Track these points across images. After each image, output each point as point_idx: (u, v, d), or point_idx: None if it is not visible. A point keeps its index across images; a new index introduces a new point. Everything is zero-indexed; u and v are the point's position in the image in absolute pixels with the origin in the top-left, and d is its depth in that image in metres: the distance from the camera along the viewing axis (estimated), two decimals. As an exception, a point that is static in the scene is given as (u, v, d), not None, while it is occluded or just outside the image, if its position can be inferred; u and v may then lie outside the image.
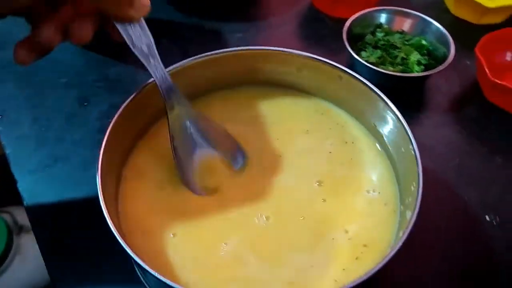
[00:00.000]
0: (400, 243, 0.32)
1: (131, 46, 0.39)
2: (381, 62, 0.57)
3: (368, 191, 0.42)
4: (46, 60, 0.60)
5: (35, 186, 0.48)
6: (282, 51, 0.45)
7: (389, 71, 0.55)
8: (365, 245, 0.38)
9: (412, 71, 0.55)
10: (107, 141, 0.38)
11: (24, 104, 0.56)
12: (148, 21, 0.40)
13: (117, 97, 0.57)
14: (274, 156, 0.44)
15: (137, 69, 0.59)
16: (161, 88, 0.40)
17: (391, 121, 0.41)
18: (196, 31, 0.65)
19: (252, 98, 0.49)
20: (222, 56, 0.45)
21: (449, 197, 0.47)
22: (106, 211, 0.34)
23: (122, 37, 0.38)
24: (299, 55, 0.45)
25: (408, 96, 0.56)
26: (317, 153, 0.45)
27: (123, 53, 0.62)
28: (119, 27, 0.38)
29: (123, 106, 0.40)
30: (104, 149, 0.37)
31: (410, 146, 0.38)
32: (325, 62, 0.44)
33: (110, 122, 0.39)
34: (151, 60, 0.40)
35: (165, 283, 0.31)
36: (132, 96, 0.41)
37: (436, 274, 0.42)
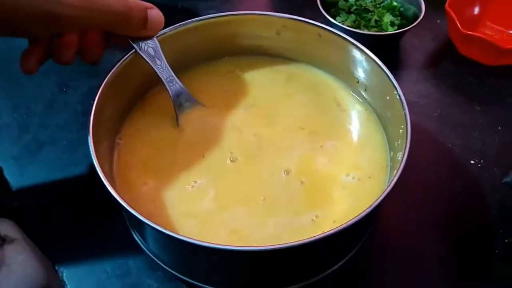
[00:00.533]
0: (395, 179, 0.33)
1: (138, 50, 0.41)
2: (356, 26, 0.58)
3: (356, 141, 0.43)
4: (21, 50, 0.60)
5: (22, 171, 0.48)
6: (263, 14, 0.46)
7: (371, 33, 0.56)
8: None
9: (386, 32, 0.57)
10: (96, 106, 0.38)
11: (2, 95, 0.55)
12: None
13: (96, 80, 0.55)
14: (258, 117, 0.45)
15: (113, 51, 0.59)
16: (169, 88, 0.42)
17: (373, 72, 0.42)
18: (169, 11, 0.64)
19: (234, 68, 0.49)
20: (204, 23, 0.45)
21: (435, 146, 0.48)
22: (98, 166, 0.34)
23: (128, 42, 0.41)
24: (279, 17, 0.46)
25: (386, 56, 0.56)
26: (302, 110, 0.45)
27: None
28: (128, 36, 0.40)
29: (109, 75, 0.40)
30: (94, 114, 0.37)
31: (395, 92, 0.39)
32: (304, 21, 0.45)
33: (97, 93, 0.39)
34: (158, 62, 0.42)
35: (161, 232, 0.31)
36: (117, 65, 0.41)
37: (429, 214, 0.43)
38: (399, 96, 0.38)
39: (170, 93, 0.42)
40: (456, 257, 0.40)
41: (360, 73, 0.44)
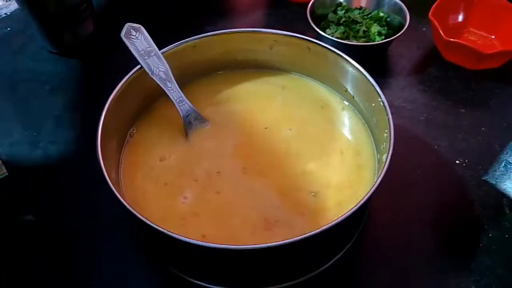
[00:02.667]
0: (378, 180, 0.36)
1: (149, 74, 0.45)
2: (345, 37, 0.61)
3: (345, 147, 0.46)
4: (28, 72, 0.64)
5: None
6: (256, 30, 0.49)
7: (357, 43, 0.59)
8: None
9: (374, 42, 0.60)
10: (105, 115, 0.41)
11: (12, 115, 0.58)
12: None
13: (102, 97, 0.59)
14: (258, 128, 0.48)
15: (117, 70, 0.62)
16: (179, 108, 0.46)
17: (358, 81, 0.45)
18: (169, 27, 0.68)
19: (231, 82, 0.53)
20: (202, 41, 0.48)
21: (422, 147, 0.51)
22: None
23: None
24: (271, 32, 0.49)
25: (374, 64, 0.59)
26: (297, 118, 0.48)
27: (101, 57, 0.65)
28: (139, 59, 0.44)
29: (114, 92, 0.43)
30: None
31: (379, 99, 0.42)
32: (294, 36, 0.48)
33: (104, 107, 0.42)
34: (169, 84, 0.46)
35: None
36: (122, 82, 0.44)
37: (417, 212, 0.46)
38: (383, 102, 0.41)
39: (181, 113, 0.46)
40: (444, 251, 0.43)
41: (348, 82, 0.47)
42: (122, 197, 0.36)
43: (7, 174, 0.49)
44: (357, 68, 0.44)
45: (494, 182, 0.39)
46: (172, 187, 0.43)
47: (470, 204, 0.46)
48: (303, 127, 0.48)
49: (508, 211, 0.43)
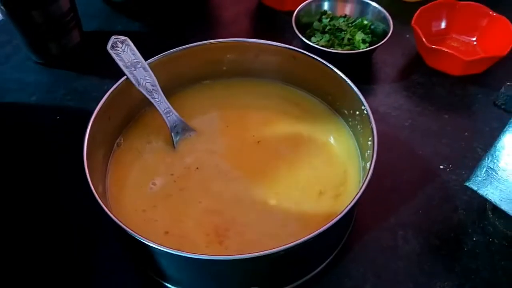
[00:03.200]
0: (363, 188, 0.36)
1: (136, 85, 0.45)
2: (330, 45, 0.62)
3: (330, 155, 0.46)
4: (13, 82, 0.63)
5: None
6: (242, 40, 0.49)
7: (342, 51, 0.60)
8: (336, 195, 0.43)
9: (358, 49, 0.61)
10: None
11: (-2, 125, 0.58)
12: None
13: (88, 106, 0.59)
14: (245, 135, 0.48)
15: (103, 79, 0.62)
16: (166, 118, 0.46)
17: (343, 89, 0.46)
18: (156, 38, 0.68)
19: (218, 90, 0.53)
20: (189, 50, 0.49)
21: (406, 153, 0.52)
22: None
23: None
24: (256, 42, 0.49)
25: (359, 72, 0.61)
26: (280, 126, 0.49)
27: (87, 67, 0.65)
28: (125, 71, 0.44)
29: (100, 103, 0.43)
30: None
31: (362, 107, 0.42)
32: (279, 45, 0.49)
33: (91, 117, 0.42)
34: (156, 96, 0.46)
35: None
36: (108, 93, 0.44)
37: (403, 216, 0.46)
38: (367, 111, 0.42)
39: (168, 123, 0.46)
40: (429, 255, 0.44)
41: (332, 90, 0.48)
42: (107, 209, 0.36)
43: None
44: (341, 77, 0.45)
45: (476, 188, 0.40)
46: (158, 196, 0.43)
47: (454, 209, 0.47)
48: (288, 134, 0.48)
49: (491, 215, 0.43)
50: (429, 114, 0.56)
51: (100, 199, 0.36)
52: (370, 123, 0.41)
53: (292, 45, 0.49)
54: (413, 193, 0.48)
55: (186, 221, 0.42)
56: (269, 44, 0.49)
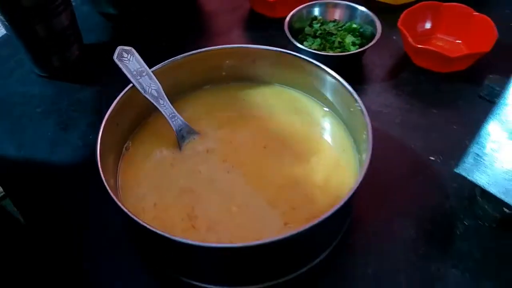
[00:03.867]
0: (361, 177, 0.39)
1: (142, 92, 0.48)
2: (322, 49, 0.65)
3: (328, 150, 0.49)
4: (19, 96, 0.66)
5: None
6: (239, 46, 0.52)
7: (334, 54, 0.63)
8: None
9: (349, 51, 0.64)
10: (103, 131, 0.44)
11: (6, 136, 0.60)
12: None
13: (92, 117, 0.62)
14: (246, 137, 0.51)
15: (105, 90, 0.65)
16: (172, 123, 0.49)
17: (337, 88, 0.49)
18: (152, 48, 0.71)
19: (219, 95, 0.56)
20: (189, 58, 0.52)
21: (398, 147, 0.55)
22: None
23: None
24: (253, 48, 0.52)
25: (350, 73, 0.63)
26: (279, 126, 0.52)
27: (89, 78, 0.68)
28: (132, 79, 0.47)
29: (109, 110, 0.46)
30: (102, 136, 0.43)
31: (356, 104, 0.45)
32: (275, 50, 0.52)
33: (102, 123, 0.45)
34: (161, 101, 0.49)
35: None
36: (118, 99, 0.47)
37: (398, 205, 0.49)
38: (360, 107, 0.45)
39: (174, 127, 0.49)
40: (424, 240, 0.46)
41: (327, 90, 0.51)
42: (120, 203, 0.38)
43: (3, 193, 0.51)
44: (334, 77, 0.48)
45: (465, 174, 0.42)
46: (168, 193, 0.46)
47: (446, 196, 0.49)
48: (287, 134, 0.51)
49: (480, 200, 0.46)
50: (418, 110, 0.59)
51: (112, 191, 0.39)
52: (365, 117, 0.44)
53: (285, 50, 0.52)
54: (407, 183, 0.51)
55: (193, 216, 0.44)
56: (265, 49, 0.52)
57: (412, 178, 0.52)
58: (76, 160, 0.56)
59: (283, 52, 0.51)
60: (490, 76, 0.43)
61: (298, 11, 0.68)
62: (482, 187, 0.42)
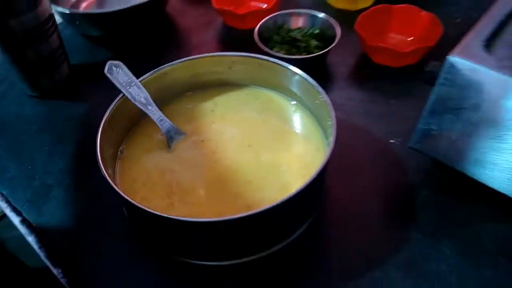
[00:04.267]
0: (330, 150, 0.45)
1: (133, 101, 0.54)
2: (290, 53, 0.72)
3: (301, 139, 0.56)
4: (13, 116, 0.71)
5: (39, 211, 0.58)
6: (216, 54, 0.59)
7: (300, 57, 0.70)
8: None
9: (313, 54, 0.71)
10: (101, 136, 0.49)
11: (6, 154, 0.65)
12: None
13: (86, 131, 0.67)
14: (222, 133, 0.58)
15: (95, 104, 0.70)
16: (161, 126, 0.55)
17: (303, 85, 0.56)
18: (135, 64, 0.77)
19: (200, 99, 0.62)
20: (172, 68, 0.58)
21: (363, 134, 0.62)
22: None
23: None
24: (229, 55, 0.59)
25: (316, 73, 0.70)
26: (256, 121, 0.59)
27: (78, 96, 0.73)
28: (122, 90, 0.53)
29: (106, 115, 0.52)
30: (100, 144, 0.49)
31: (320, 96, 0.52)
32: (248, 55, 0.59)
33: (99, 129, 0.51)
34: (150, 108, 0.55)
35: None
36: (112, 106, 0.53)
37: (366, 183, 0.56)
38: (324, 98, 0.52)
39: (162, 130, 0.55)
40: (390, 212, 0.53)
41: (295, 87, 0.58)
42: (118, 188, 0.44)
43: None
44: (300, 75, 0.55)
45: (417, 147, 0.50)
46: (159, 187, 0.52)
47: (406, 172, 0.57)
48: (263, 128, 0.58)
49: (435, 172, 0.54)
50: (378, 101, 0.67)
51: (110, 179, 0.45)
52: (328, 106, 0.50)
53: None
54: (372, 164, 0.58)
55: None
56: (239, 55, 0.59)
57: (377, 159, 0.59)
58: (73, 167, 0.62)
59: (255, 57, 0.58)
60: (431, 62, 0.50)
61: (265, 22, 0.75)
62: (436, 159, 0.49)
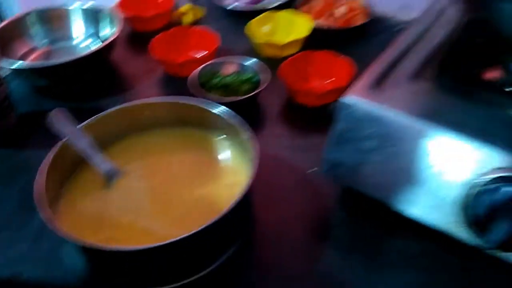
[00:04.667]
0: (249, 183, 0.52)
1: (74, 146, 0.59)
2: (225, 96, 0.80)
3: (229, 172, 0.63)
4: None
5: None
6: (156, 101, 0.67)
7: (231, 100, 0.78)
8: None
9: (245, 96, 0.79)
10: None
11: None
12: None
13: (30, 174, 0.71)
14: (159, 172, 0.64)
15: (41, 150, 0.74)
16: (100, 168, 0.60)
17: (229, 123, 0.63)
18: (79, 112, 0.82)
19: (139, 140, 0.68)
20: (112, 113, 0.65)
21: (286, 165, 0.70)
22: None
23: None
24: (166, 100, 0.67)
25: (248, 113, 0.78)
26: (188, 158, 0.65)
27: (25, 143, 0.78)
28: (64, 136, 0.59)
29: (47, 159, 0.57)
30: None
31: (244, 132, 0.60)
32: (183, 103, 0.66)
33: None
34: (91, 151, 0.60)
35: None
36: (53, 150, 0.58)
37: (289, 209, 0.63)
38: (247, 134, 0.59)
39: (102, 171, 0.60)
40: (310, 234, 0.61)
41: (223, 126, 0.65)
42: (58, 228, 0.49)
43: None
44: (227, 115, 0.62)
45: (328, 175, 0.58)
46: (98, 224, 0.57)
47: (323, 197, 0.65)
48: (195, 164, 0.64)
49: (347, 195, 0.62)
50: (301, 136, 0.75)
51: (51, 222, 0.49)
52: (250, 145, 0.58)
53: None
54: (295, 191, 0.66)
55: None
56: (176, 102, 0.66)
57: (299, 186, 0.67)
58: (17, 211, 0.66)
59: (189, 103, 0.66)
60: (334, 103, 0.59)
61: (202, 69, 0.83)
62: (347, 184, 0.57)
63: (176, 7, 1.07)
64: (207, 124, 0.67)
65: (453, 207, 0.49)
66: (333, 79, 0.84)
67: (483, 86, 0.56)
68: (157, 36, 0.91)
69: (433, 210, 0.51)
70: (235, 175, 0.62)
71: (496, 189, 0.43)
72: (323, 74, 0.85)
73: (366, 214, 0.62)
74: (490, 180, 0.44)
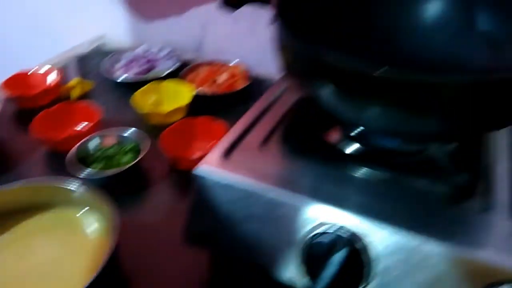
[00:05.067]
0: (110, 249, 0.54)
1: None
2: (107, 168, 0.82)
3: (96, 244, 0.64)
4: None
5: None
6: (8, 188, 0.67)
7: (112, 172, 0.79)
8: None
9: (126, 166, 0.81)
10: None
11: None
12: None
13: None
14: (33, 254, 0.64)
15: None
16: None
17: (91, 199, 0.64)
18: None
19: (10, 223, 0.68)
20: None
21: (163, 232, 0.72)
22: None
23: None
24: (21, 186, 0.67)
25: (133, 182, 0.81)
26: (62, 237, 0.65)
27: None
28: None
29: None
30: None
31: (105, 205, 0.61)
32: (39, 184, 0.67)
33: None
34: None
35: None
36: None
37: (164, 275, 0.65)
38: (107, 206, 0.61)
39: None
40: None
41: (86, 201, 0.66)
42: None
43: None
44: (85, 191, 0.64)
45: (196, 242, 0.60)
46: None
47: (201, 266, 0.66)
48: (62, 240, 0.65)
49: (221, 259, 0.64)
50: (181, 201, 0.78)
51: None
52: (110, 218, 0.59)
53: (76, 177, 0.69)
54: (169, 262, 0.67)
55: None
56: (24, 187, 0.67)
57: (173, 256, 0.68)
58: None
59: (55, 186, 0.67)
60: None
61: (81, 144, 0.84)
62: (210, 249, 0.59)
63: (66, 81, 1.09)
64: (69, 201, 0.68)
65: (297, 261, 0.53)
66: (214, 142, 0.89)
67: (324, 148, 0.62)
68: (39, 114, 0.92)
69: (291, 267, 0.55)
70: (104, 247, 0.63)
71: (317, 242, 0.47)
72: (205, 138, 0.89)
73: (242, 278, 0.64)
74: (315, 234, 0.48)
